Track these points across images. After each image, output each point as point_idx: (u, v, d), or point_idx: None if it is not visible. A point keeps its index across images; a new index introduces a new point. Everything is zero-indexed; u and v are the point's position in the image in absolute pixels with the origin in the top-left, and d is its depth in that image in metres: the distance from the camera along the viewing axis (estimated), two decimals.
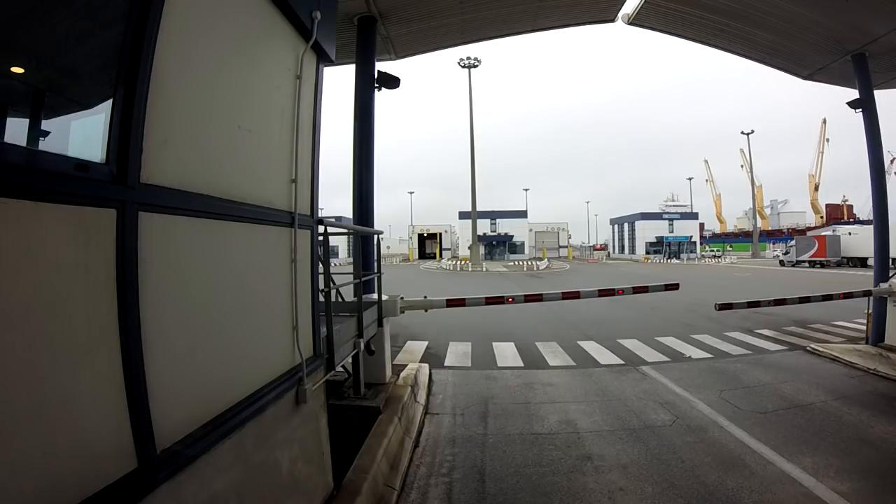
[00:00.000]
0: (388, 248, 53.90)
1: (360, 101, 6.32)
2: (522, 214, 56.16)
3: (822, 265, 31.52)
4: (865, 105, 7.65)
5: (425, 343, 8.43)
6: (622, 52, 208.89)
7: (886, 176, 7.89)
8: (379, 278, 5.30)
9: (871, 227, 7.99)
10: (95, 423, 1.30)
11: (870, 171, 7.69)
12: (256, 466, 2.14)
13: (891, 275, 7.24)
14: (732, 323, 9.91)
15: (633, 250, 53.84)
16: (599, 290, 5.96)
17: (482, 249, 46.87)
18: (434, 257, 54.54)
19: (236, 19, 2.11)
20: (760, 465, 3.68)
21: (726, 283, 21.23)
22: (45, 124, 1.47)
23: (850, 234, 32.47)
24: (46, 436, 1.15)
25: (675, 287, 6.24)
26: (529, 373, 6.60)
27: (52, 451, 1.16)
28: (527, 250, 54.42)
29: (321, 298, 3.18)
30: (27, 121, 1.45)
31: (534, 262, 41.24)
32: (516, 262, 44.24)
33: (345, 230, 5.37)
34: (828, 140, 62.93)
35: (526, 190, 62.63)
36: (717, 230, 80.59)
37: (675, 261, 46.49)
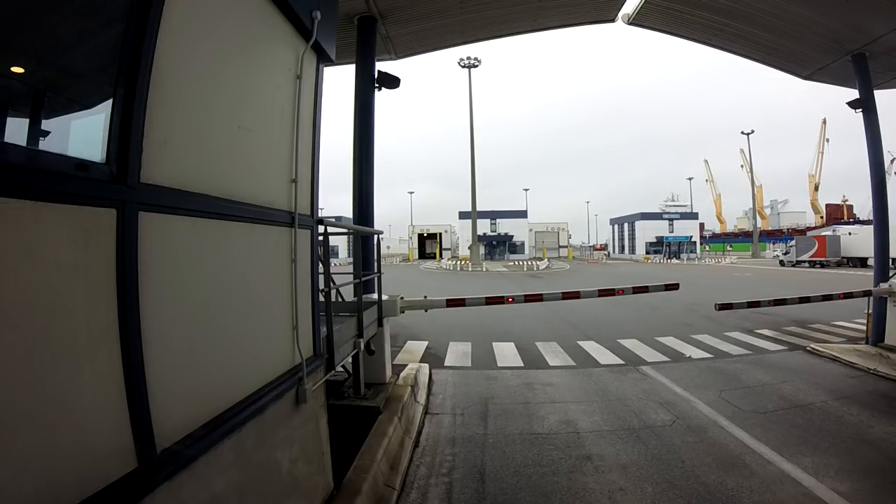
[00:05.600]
0: (388, 248, 53.90)
1: (360, 101, 6.32)
2: (522, 214, 56.15)
3: (822, 265, 31.50)
4: (865, 105, 7.65)
5: (425, 343, 8.43)
6: (623, 50, 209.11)
7: (886, 176, 7.88)
8: (379, 278, 5.30)
9: (871, 227, 7.99)
10: (95, 422, 1.30)
11: (870, 171, 7.68)
12: (256, 466, 2.14)
13: (891, 275, 7.23)
14: (732, 323, 9.91)
15: (633, 250, 53.83)
16: (599, 291, 5.96)
17: (482, 249, 46.87)
18: (434, 257, 54.50)
19: (236, 19, 2.11)
20: (760, 465, 3.68)
21: (726, 283, 21.23)
22: (45, 124, 1.47)
23: (850, 234, 32.45)
24: (46, 436, 1.15)
25: (675, 287, 6.24)
26: (529, 373, 6.60)
27: (52, 450, 1.16)
28: (527, 250, 54.40)
29: (321, 298, 3.18)
30: (27, 121, 1.45)
31: (534, 262, 41.23)
32: (516, 262, 44.23)
33: (345, 230, 5.38)
34: (828, 140, 62.98)
35: (526, 190, 62.69)
36: (717, 230, 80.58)
37: (675, 261, 46.47)
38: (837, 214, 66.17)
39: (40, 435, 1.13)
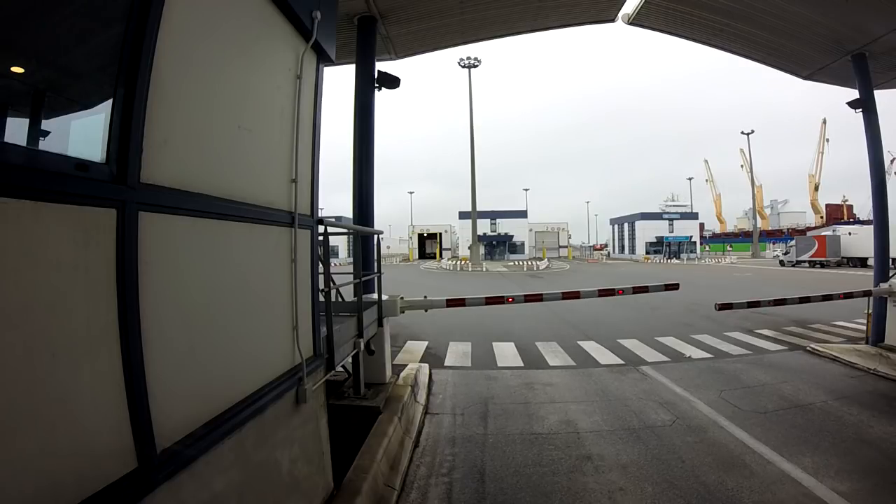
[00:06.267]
0: (388, 248, 53.90)
1: (360, 101, 6.32)
2: (522, 214, 56.15)
3: (822, 265, 31.50)
4: (865, 105, 7.65)
5: (425, 343, 8.43)
6: (623, 50, 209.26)
7: (886, 176, 7.88)
8: (379, 278, 5.30)
9: (871, 227, 7.99)
10: (95, 422, 1.30)
11: (870, 171, 7.68)
12: (256, 466, 2.14)
13: (891, 275, 7.23)
14: (732, 323, 9.91)
15: (633, 250, 53.84)
16: (599, 291, 5.96)
17: (482, 249, 46.86)
18: (434, 257, 54.51)
19: (236, 19, 2.11)
20: (760, 465, 3.68)
21: (726, 283, 21.23)
22: (45, 124, 1.48)
23: (850, 234, 32.44)
24: (46, 436, 1.15)
25: (675, 287, 6.24)
26: (529, 373, 6.60)
27: (52, 450, 1.16)
28: (527, 250, 54.39)
29: (321, 298, 3.18)
30: (27, 121, 1.45)
31: (534, 262, 41.22)
32: (516, 262, 44.22)
33: (345, 230, 5.38)
34: (828, 140, 63.01)
35: (526, 190, 62.67)
36: (717, 230, 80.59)
37: (675, 261, 46.47)
38: (837, 214, 66.18)
39: (40, 435, 1.13)
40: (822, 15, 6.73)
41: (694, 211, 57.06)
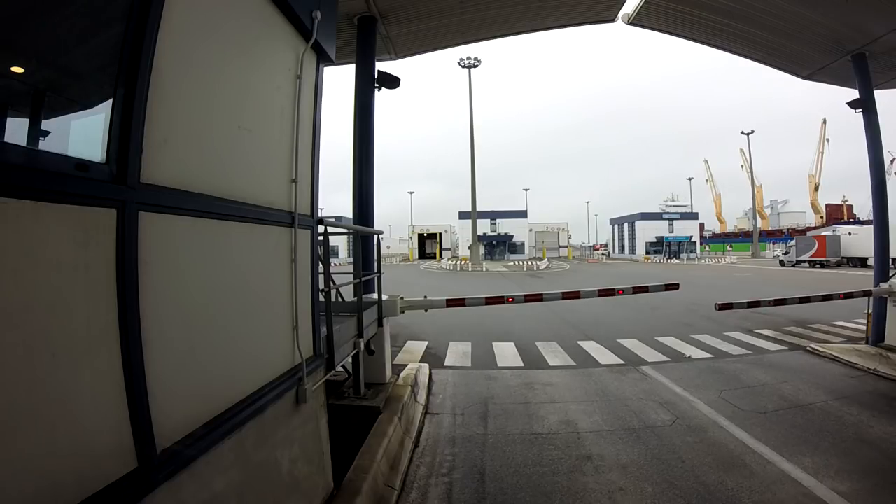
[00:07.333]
0: (388, 248, 53.88)
1: (360, 101, 6.32)
2: (522, 214, 56.17)
3: (822, 265, 31.50)
4: (865, 105, 7.65)
5: (425, 343, 8.43)
6: (623, 49, 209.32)
7: (886, 176, 7.88)
8: (379, 278, 5.30)
9: (871, 227, 7.99)
10: (95, 422, 1.30)
11: (870, 171, 7.68)
12: (256, 466, 2.14)
13: (891, 275, 7.23)
14: (732, 323, 9.91)
15: (633, 250, 53.86)
16: (599, 291, 5.96)
17: (482, 249, 46.87)
18: (434, 257, 54.53)
19: (236, 19, 2.11)
20: (760, 465, 3.68)
21: (726, 283, 21.23)
22: (45, 124, 1.48)
23: (850, 234, 32.45)
24: (46, 436, 1.15)
25: (675, 287, 6.24)
26: (529, 373, 6.60)
27: (52, 450, 1.16)
28: (527, 250, 54.42)
29: (321, 298, 3.19)
30: (27, 121, 1.45)
31: (534, 262, 41.23)
32: (516, 262, 44.23)
33: (345, 230, 5.38)
34: (828, 140, 63.01)
35: (526, 190, 62.64)
36: (717, 230, 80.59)
37: (675, 261, 46.48)
38: (837, 214, 66.19)
39: (40, 435, 1.13)
40: (822, 15, 6.73)
41: (694, 211, 57.10)
